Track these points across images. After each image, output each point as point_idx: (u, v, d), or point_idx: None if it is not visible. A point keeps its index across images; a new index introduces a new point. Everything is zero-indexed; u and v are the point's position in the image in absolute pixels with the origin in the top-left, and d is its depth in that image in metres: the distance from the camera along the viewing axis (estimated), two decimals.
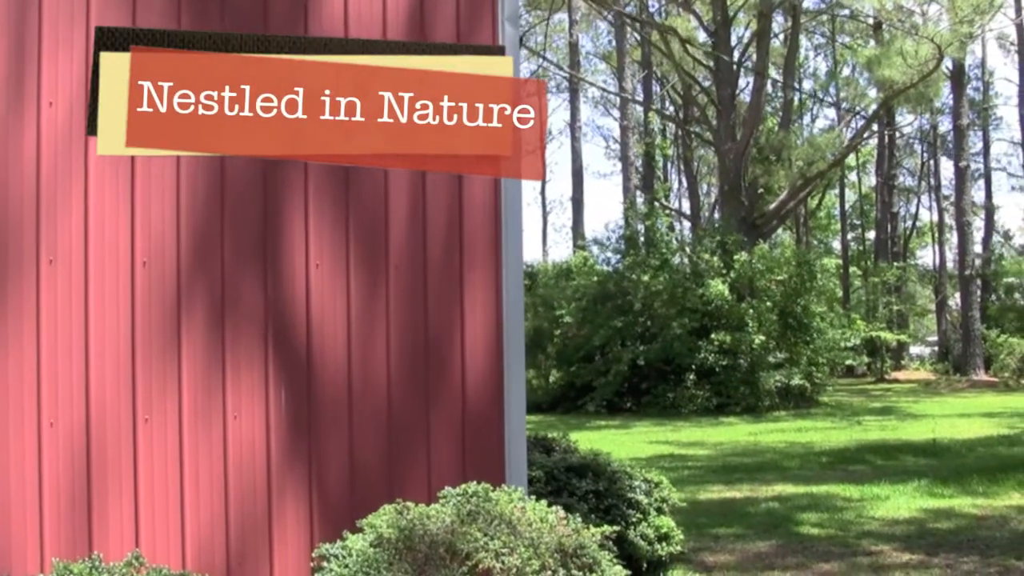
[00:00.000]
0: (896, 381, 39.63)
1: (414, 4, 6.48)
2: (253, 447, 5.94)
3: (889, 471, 13.20)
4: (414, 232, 6.34)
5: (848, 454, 15.17)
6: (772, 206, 30.58)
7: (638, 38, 39.47)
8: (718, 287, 27.76)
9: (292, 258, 6.06)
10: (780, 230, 55.31)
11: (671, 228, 44.61)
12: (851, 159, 53.92)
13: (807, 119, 51.45)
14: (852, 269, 51.22)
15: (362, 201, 6.24)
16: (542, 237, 63.46)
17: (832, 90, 53.63)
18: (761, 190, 30.57)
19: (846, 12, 44.28)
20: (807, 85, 55.04)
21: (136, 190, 5.83)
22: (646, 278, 28.45)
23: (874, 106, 31.65)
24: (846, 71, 47.61)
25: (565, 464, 7.28)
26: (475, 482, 5.80)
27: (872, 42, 36.51)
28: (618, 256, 31.39)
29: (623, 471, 7.60)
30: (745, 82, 35.13)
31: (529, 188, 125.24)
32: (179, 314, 5.84)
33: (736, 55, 32.35)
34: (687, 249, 33.27)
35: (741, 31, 35.84)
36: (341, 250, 6.17)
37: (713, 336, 27.22)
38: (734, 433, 20.99)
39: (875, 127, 35.45)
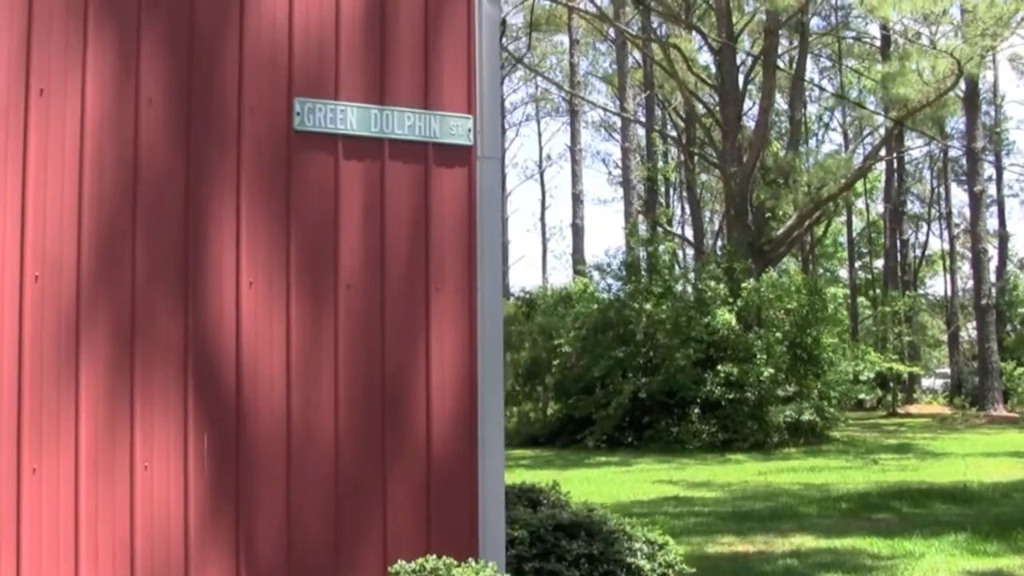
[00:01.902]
0: (909, 415, 38.29)
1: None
2: (167, 507, 4.79)
3: (919, 521, 11.97)
4: (370, 242, 5.22)
5: (871, 500, 13.90)
6: (780, 231, 29.39)
7: (639, 59, 38.51)
8: (725, 316, 26.55)
9: (219, 274, 4.92)
10: (785, 258, 54.28)
11: (674, 254, 43.56)
12: (858, 185, 52.74)
13: (812, 143, 50.35)
14: (860, 299, 50.00)
15: (307, 202, 5.11)
16: (542, 264, 62.41)
17: (839, 114, 52.77)
18: (768, 215, 29.39)
19: (852, 34, 43.45)
20: (812, 109, 54.09)
21: (28, 190, 4.69)
22: (648, 306, 27.26)
23: (886, 127, 30.51)
24: (853, 94, 46.59)
25: (554, 522, 6.07)
26: (436, 556, 4.65)
27: (879, 65, 35.43)
28: (619, 283, 30.21)
29: (621, 530, 6.39)
30: (751, 103, 34.12)
31: (529, 214, 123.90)
32: (78, 341, 4.70)
33: (742, 75, 31.30)
34: (691, 276, 32.11)
35: (747, 46, 34.80)
36: (280, 264, 5.03)
37: (719, 368, 25.98)
38: (743, 472, 19.74)
39: (884, 151, 34.29)
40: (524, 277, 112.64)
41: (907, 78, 24.03)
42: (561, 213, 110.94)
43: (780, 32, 30.29)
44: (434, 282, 5.28)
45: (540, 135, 64.14)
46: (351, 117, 5.20)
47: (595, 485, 17.83)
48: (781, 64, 38.43)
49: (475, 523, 5.25)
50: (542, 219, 62.87)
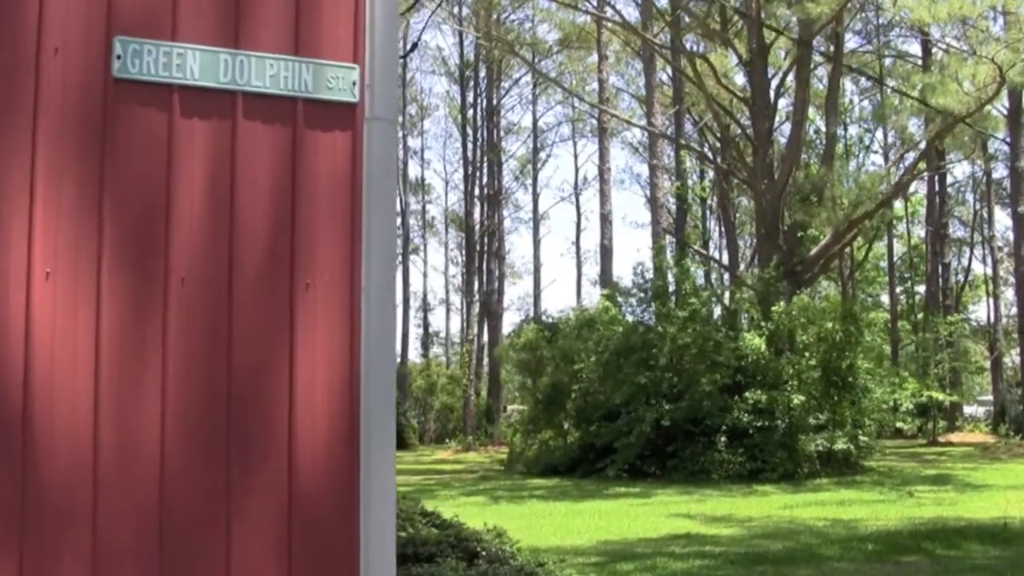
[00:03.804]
0: (950, 444, 36.62)
1: None
2: None
3: (952, 566, 10.61)
4: (215, 223, 4.02)
5: (900, 540, 12.51)
6: (813, 252, 27.97)
7: (668, 76, 37.36)
8: (754, 340, 25.21)
9: (3, 263, 3.74)
10: (824, 282, 52.69)
11: (708, 276, 42.19)
12: (899, 208, 51.21)
13: (852, 166, 48.82)
14: (901, 323, 48.34)
15: (129, 171, 3.92)
16: (576, 288, 61.06)
17: (879, 135, 51.27)
18: (801, 234, 27.97)
19: (892, 53, 42.01)
20: (852, 131, 52.67)
21: None
22: (673, 330, 25.95)
23: (926, 142, 29.00)
24: (893, 116, 45.06)
25: None
26: None
27: (919, 87, 33.96)
28: (643, 305, 28.91)
29: None
30: (783, 118, 32.74)
31: (562, 238, 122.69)
32: None
33: (773, 88, 29.94)
34: (721, 297, 30.77)
35: (779, 59, 33.48)
36: (89, 250, 3.84)
37: (747, 394, 24.63)
38: (768, 505, 18.38)
39: (924, 165, 32.72)
40: (559, 301, 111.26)
41: (947, 87, 22.63)
42: (596, 236, 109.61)
43: (814, 44, 29.00)
44: (302, 275, 4.09)
45: (576, 156, 62.75)
46: (192, 63, 4.03)
47: (606, 519, 16.58)
48: (815, 80, 37.11)
49: None
50: (576, 242, 61.45)
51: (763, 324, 25.88)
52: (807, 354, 26.12)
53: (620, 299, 29.63)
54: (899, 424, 32.71)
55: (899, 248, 53.75)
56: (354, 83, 4.25)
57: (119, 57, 3.93)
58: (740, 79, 34.08)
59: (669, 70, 37.85)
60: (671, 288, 28.82)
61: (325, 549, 4.08)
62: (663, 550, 12.32)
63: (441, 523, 7.14)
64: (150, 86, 3.97)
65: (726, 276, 41.65)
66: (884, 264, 53.47)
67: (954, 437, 38.85)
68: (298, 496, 4.02)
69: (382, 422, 4.19)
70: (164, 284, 3.91)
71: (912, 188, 49.41)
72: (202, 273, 3.97)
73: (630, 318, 28.65)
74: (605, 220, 38.85)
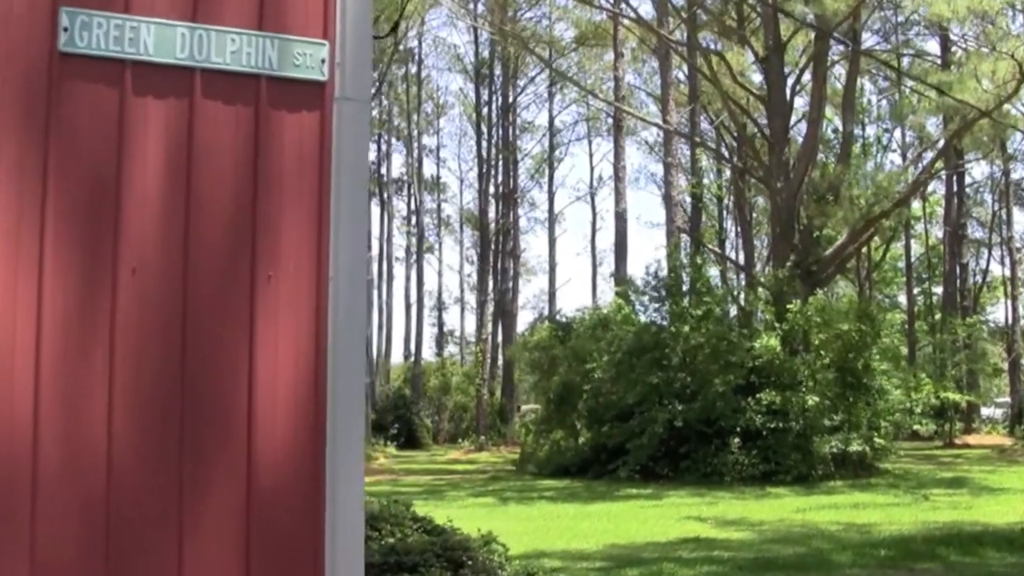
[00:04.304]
0: (967, 446, 36.15)
1: None
2: None
3: (967, 573, 10.27)
4: (170, 210, 3.75)
5: (914, 545, 12.15)
6: (829, 251, 27.55)
7: (684, 74, 36.99)
8: (769, 341, 24.83)
9: None
10: (842, 283, 52.21)
11: (723, 275, 41.78)
12: (917, 209, 50.68)
13: (870, 165, 48.31)
14: (918, 324, 47.82)
15: (76, 152, 3.66)
16: (592, 287, 60.63)
17: (897, 134, 50.79)
18: (817, 234, 27.56)
19: (911, 52, 41.51)
20: (870, 131, 52.17)
21: None
22: (686, 329, 25.60)
23: (944, 139, 28.53)
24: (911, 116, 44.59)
25: None
26: None
27: (937, 83, 33.44)
28: (656, 304, 28.56)
29: None
30: (800, 115, 32.29)
31: (579, 236, 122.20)
32: None
33: (789, 86, 29.50)
34: (736, 297, 30.39)
35: (796, 56, 33.04)
36: (30, 238, 3.58)
37: (761, 395, 24.26)
38: (781, 508, 18.03)
39: (942, 163, 32.24)
40: (575, 301, 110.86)
41: (965, 84, 22.21)
42: (612, 235, 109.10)
43: (831, 42, 28.59)
44: (264, 266, 3.81)
45: (591, 156, 62.27)
46: (147, 37, 3.75)
47: (615, 522, 16.28)
48: (833, 79, 36.70)
49: None
50: (592, 241, 60.97)
51: (777, 324, 25.51)
52: (822, 354, 25.75)
53: (633, 298, 29.26)
54: (915, 426, 32.21)
55: (917, 249, 53.24)
56: (323, 61, 3.98)
57: (66, 29, 3.66)
58: (756, 77, 33.72)
59: (685, 68, 37.48)
60: (685, 287, 28.47)
61: (287, 551, 3.81)
62: (671, 555, 12.01)
63: (432, 528, 6.87)
64: (100, 61, 3.70)
65: (742, 276, 41.28)
66: (902, 265, 52.97)
67: (971, 439, 38.38)
68: (258, 498, 3.75)
69: (350, 421, 3.92)
70: (113, 273, 3.64)
71: (930, 188, 48.97)
72: (155, 263, 3.70)
73: (643, 318, 28.30)
74: (620, 219, 38.46)
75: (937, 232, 52.65)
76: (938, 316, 47.85)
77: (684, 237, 36.35)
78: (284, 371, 3.81)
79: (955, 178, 45.28)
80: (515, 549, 12.87)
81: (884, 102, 49.54)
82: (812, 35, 27.16)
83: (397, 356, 62.55)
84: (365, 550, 6.20)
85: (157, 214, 3.72)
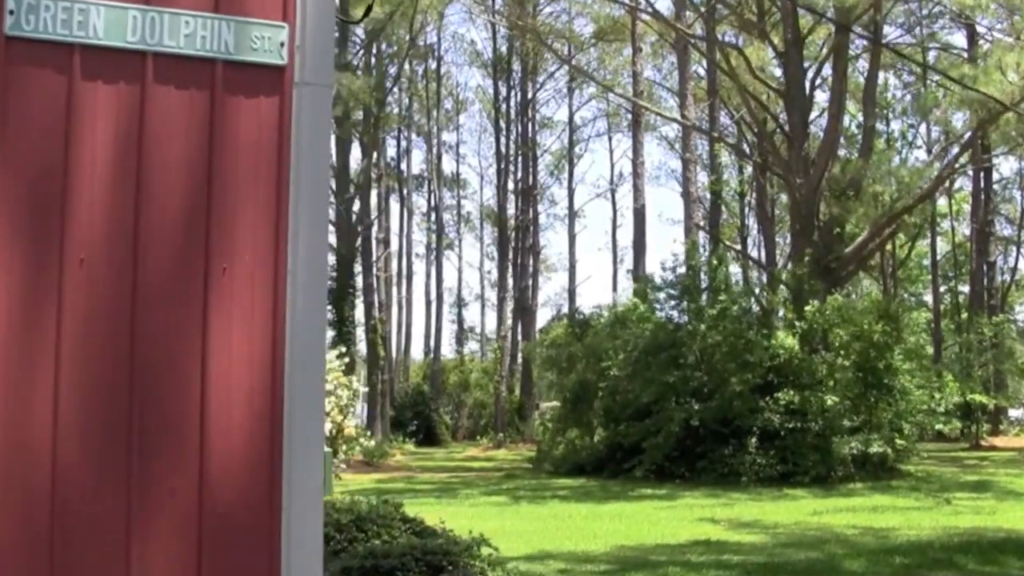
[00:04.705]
0: (993, 448, 35.61)
1: None
2: None
3: None
4: (120, 199, 3.59)
5: (932, 552, 11.84)
6: (850, 248, 27.18)
7: (704, 69, 36.61)
8: (787, 340, 24.51)
9: None
10: (866, 280, 51.69)
11: (745, 272, 41.42)
12: (944, 206, 50.10)
13: (895, 161, 47.74)
14: (944, 323, 47.26)
15: (22, 138, 3.51)
16: (612, 284, 60.37)
17: (922, 131, 50.22)
18: (838, 230, 27.18)
19: (936, 45, 41.00)
20: (895, 127, 51.62)
21: None
22: (704, 327, 25.31)
23: (970, 133, 28.07)
24: (937, 111, 44.04)
25: None
26: None
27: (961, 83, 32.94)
28: (673, 302, 28.26)
29: None
30: (820, 110, 31.92)
31: (600, 232, 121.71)
32: None
33: (809, 80, 29.14)
34: (756, 295, 30.04)
35: (816, 51, 32.64)
36: None
37: (779, 394, 23.93)
38: (797, 510, 17.74)
39: (967, 157, 31.74)
40: (595, 298, 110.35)
41: (990, 77, 21.82)
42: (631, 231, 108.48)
43: (852, 36, 28.22)
44: (219, 258, 3.63)
45: (611, 152, 62.08)
46: (96, 20, 3.57)
47: (627, 523, 16.04)
48: (856, 73, 36.27)
49: None
50: (613, 238, 60.68)
51: (796, 323, 25.19)
52: (842, 353, 25.41)
53: (651, 295, 28.95)
54: (939, 427, 31.76)
55: (943, 246, 52.66)
56: (282, 44, 3.79)
57: (12, 12, 3.50)
58: (776, 72, 33.35)
59: (704, 63, 37.16)
60: (703, 285, 28.18)
61: (240, 560, 3.62)
62: (679, 558, 11.76)
63: (423, 530, 6.69)
64: (47, 45, 3.54)
65: (763, 273, 40.90)
66: (928, 263, 52.39)
67: (998, 441, 37.82)
68: (211, 498, 3.57)
69: (308, 421, 3.75)
70: (60, 264, 3.47)
71: (957, 185, 48.39)
72: (103, 253, 3.53)
73: (661, 315, 28.01)
74: (638, 215, 38.20)
75: (964, 229, 52.06)
76: (965, 315, 47.27)
77: (703, 235, 36.02)
78: (239, 367, 3.63)
79: (982, 174, 44.70)
80: (521, 550, 12.72)
81: (908, 97, 48.97)
82: (832, 28, 26.76)
83: (417, 353, 62.53)
84: (346, 553, 6.02)
85: (106, 203, 3.55)
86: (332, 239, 48.48)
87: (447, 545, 5.85)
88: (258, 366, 3.66)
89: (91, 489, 3.44)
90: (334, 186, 44.37)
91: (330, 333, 42.02)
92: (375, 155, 45.69)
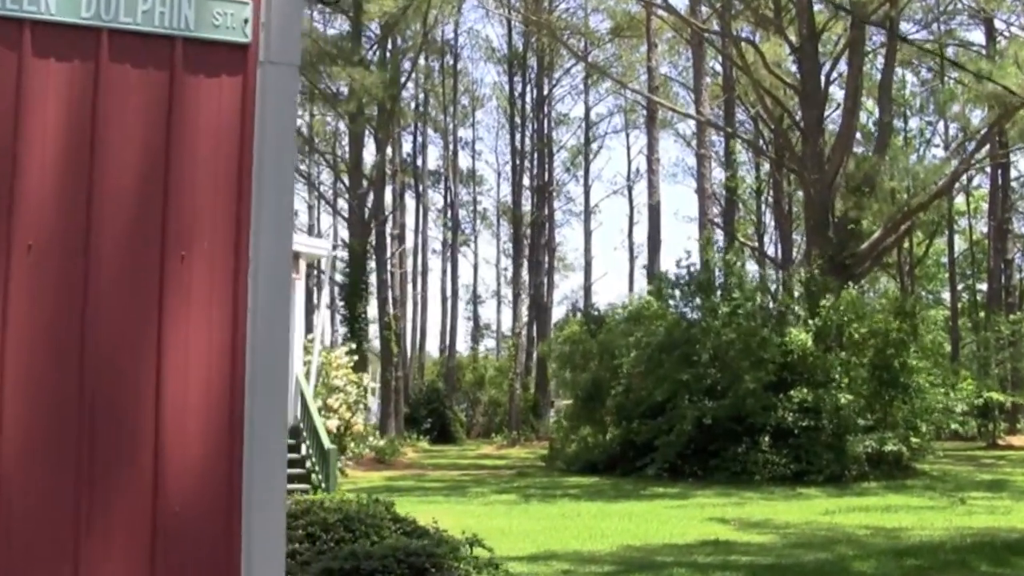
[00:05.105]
0: (1010, 447, 35.25)
1: None
2: None
3: None
4: (72, 181, 3.41)
5: (943, 554, 11.59)
6: (865, 245, 26.88)
7: (720, 64, 36.32)
8: (799, 336, 24.24)
9: None
10: (884, 278, 51.27)
11: (762, 269, 41.09)
12: (961, 204, 49.67)
13: (913, 159, 47.33)
14: (962, 321, 46.83)
15: None
16: (629, 282, 60.09)
17: (940, 128, 49.83)
18: (853, 226, 26.87)
19: (955, 42, 40.62)
20: (912, 124, 51.21)
21: None
22: (718, 324, 25.05)
23: (986, 128, 27.72)
24: (955, 107, 43.67)
25: None
26: None
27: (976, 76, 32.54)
28: (687, 299, 28.00)
29: None
30: (836, 106, 31.58)
31: (616, 230, 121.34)
32: None
33: (825, 75, 28.84)
34: (771, 292, 29.76)
35: (832, 47, 32.32)
36: None
37: (793, 392, 23.68)
38: (809, 510, 17.50)
39: (983, 153, 31.37)
40: (612, 296, 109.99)
41: (1005, 71, 21.50)
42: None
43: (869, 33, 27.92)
44: (177, 244, 3.45)
45: (628, 149, 61.49)
46: None
47: (635, 522, 15.83)
48: (873, 69, 35.96)
49: None
50: (629, 236, 60.31)
51: (810, 320, 24.91)
52: (858, 351, 25.13)
53: (665, 292, 28.66)
54: (955, 426, 31.43)
55: (961, 244, 52.20)
56: (246, 21, 3.61)
57: None
58: (792, 68, 33.08)
59: (720, 59, 36.88)
60: (718, 281, 27.91)
61: (197, 560, 3.44)
62: (685, 559, 11.55)
63: (412, 530, 6.50)
64: None
65: (780, 271, 40.58)
66: (945, 260, 51.97)
67: (1015, 440, 37.45)
68: (165, 503, 3.39)
69: (270, 416, 3.56)
70: (7, 249, 3.29)
71: (975, 183, 47.96)
72: (53, 239, 3.35)
73: (675, 313, 27.74)
74: (653, 212, 37.94)
75: (982, 227, 51.60)
76: (982, 313, 46.84)
77: (718, 231, 35.73)
78: (197, 360, 3.46)
79: (1000, 172, 44.30)
80: (527, 549, 12.54)
81: (926, 94, 48.55)
82: (848, 22, 26.46)
83: (433, 350, 62.39)
84: (329, 554, 5.85)
85: (57, 187, 3.38)
86: (344, 234, 48.48)
87: (431, 547, 5.67)
88: (217, 358, 3.48)
89: (37, 487, 3.27)
90: (347, 182, 44.33)
91: (342, 329, 41.96)
92: (390, 150, 45.53)
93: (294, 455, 16.96)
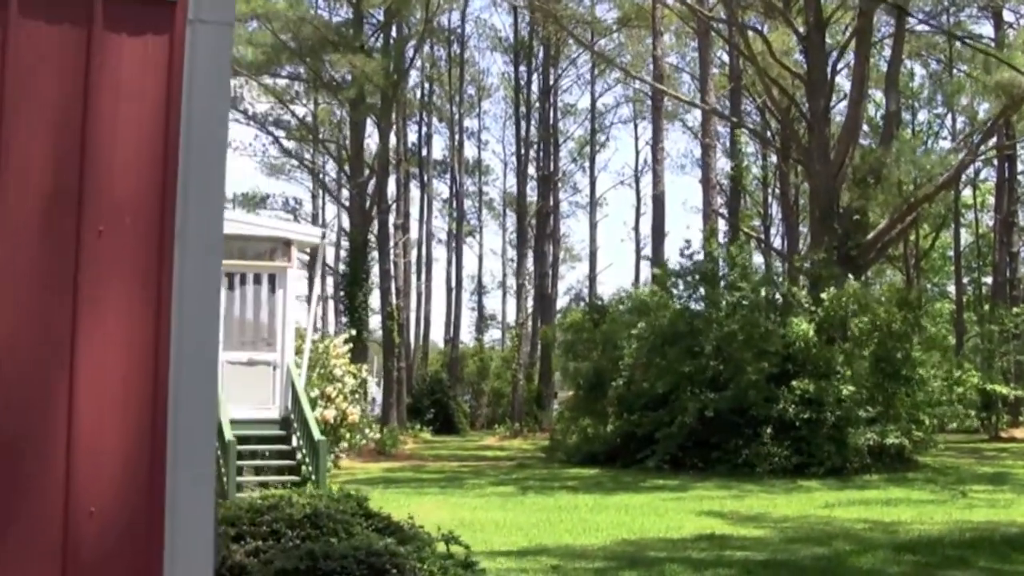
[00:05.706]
0: (1013, 440, 34.95)
1: None
2: None
3: None
4: None
5: (943, 549, 11.31)
6: (870, 236, 26.55)
7: (725, 55, 35.95)
8: (802, 327, 23.93)
9: None
10: (889, 271, 50.91)
11: (767, 260, 40.76)
12: (968, 196, 49.30)
13: (920, 151, 46.92)
14: (967, 314, 46.50)
15: None
16: (635, 274, 59.70)
17: (948, 121, 49.46)
18: (858, 217, 26.54)
19: (963, 34, 40.19)
20: (921, 116, 50.83)
21: None
22: (721, 315, 24.76)
23: (990, 121, 27.36)
24: (963, 100, 43.30)
25: None
26: None
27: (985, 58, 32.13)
28: (690, 290, 27.70)
29: None
30: (843, 96, 31.21)
31: (619, 222, 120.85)
32: None
33: (831, 65, 28.46)
34: (776, 282, 29.42)
35: (839, 38, 31.95)
36: None
37: (795, 384, 23.39)
38: (808, 503, 17.24)
39: (991, 143, 31.01)
40: (616, 287, 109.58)
41: (1015, 60, 21.15)
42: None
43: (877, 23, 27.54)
44: (94, 219, 3.17)
45: (636, 139, 61.01)
46: None
47: (632, 515, 15.60)
48: (881, 60, 35.61)
49: None
50: (636, 227, 59.86)
51: (813, 310, 24.61)
52: (860, 343, 24.83)
53: (669, 283, 28.33)
54: (958, 419, 31.14)
55: (967, 237, 51.82)
56: None
57: None
58: (799, 58, 32.73)
59: (727, 49, 36.50)
60: (722, 272, 27.59)
61: (115, 566, 3.16)
62: (678, 554, 11.28)
63: (386, 527, 6.23)
64: None
65: (786, 262, 40.25)
66: (951, 253, 51.62)
67: (1018, 432, 37.13)
68: (76, 502, 3.10)
69: (197, 409, 3.26)
70: None
71: (982, 176, 47.57)
72: None
73: (678, 304, 27.43)
74: (658, 202, 37.58)
75: (988, 220, 51.22)
76: (987, 306, 46.50)
77: (722, 221, 35.39)
78: (114, 351, 3.17)
79: (1007, 165, 43.95)
80: (518, 543, 12.29)
81: (933, 86, 48.15)
82: (856, 9, 26.10)
83: (437, 340, 62.15)
84: (285, 553, 5.56)
85: None
86: (346, 223, 48.16)
87: (394, 546, 5.39)
88: (138, 348, 3.19)
89: None
90: (348, 170, 43.99)
91: (343, 319, 41.67)
92: (394, 140, 45.17)
93: (284, 447, 16.72)
